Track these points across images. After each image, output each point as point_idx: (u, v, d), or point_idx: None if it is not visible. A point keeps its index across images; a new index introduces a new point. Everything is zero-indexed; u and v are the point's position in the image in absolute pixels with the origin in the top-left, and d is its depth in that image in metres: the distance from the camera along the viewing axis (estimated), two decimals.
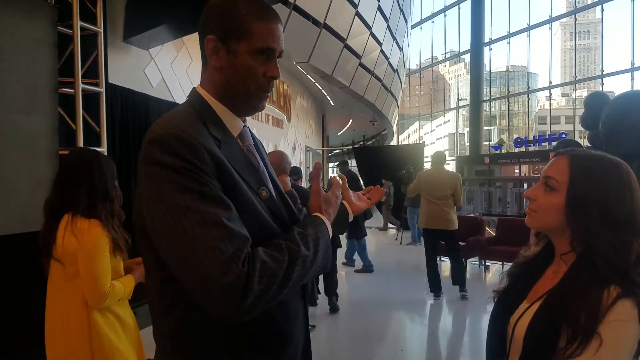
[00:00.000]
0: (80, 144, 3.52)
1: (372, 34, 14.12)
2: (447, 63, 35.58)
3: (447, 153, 41.02)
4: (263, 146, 1.36)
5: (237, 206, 1.01)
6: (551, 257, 1.28)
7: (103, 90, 3.82)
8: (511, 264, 1.42)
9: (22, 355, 3.76)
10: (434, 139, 40.06)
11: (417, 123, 36.72)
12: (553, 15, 20.89)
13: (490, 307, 1.35)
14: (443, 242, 6.39)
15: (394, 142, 28.34)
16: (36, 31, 3.32)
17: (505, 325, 1.25)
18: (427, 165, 12.71)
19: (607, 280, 1.09)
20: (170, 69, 6.70)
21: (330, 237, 1.16)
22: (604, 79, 18.81)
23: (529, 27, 21.13)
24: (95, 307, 1.96)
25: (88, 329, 1.95)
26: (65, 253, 1.94)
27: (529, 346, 1.14)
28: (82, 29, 3.65)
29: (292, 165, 4.18)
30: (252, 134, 1.26)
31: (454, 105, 31.41)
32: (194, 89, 1.18)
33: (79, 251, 1.91)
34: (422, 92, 32.85)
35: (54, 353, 2.01)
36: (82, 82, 3.54)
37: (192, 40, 7.02)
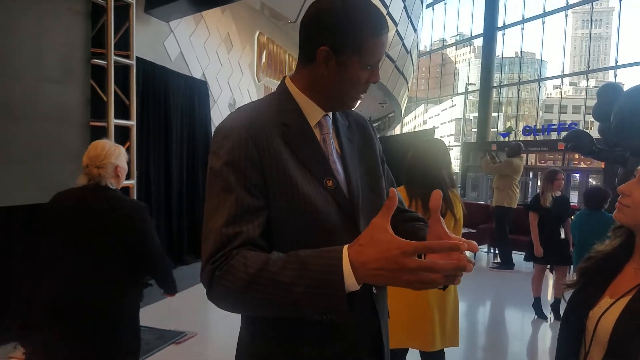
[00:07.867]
0: (112, 116, 3.49)
1: (389, 14, 13.91)
2: (455, 47, 35.12)
3: (452, 138, 40.92)
4: (366, 128, 1.34)
5: (284, 192, 1.06)
6: (629, 253, 1.26)
7: (134, 62, 3.78)
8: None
9: None
10: (439, 123, 39.85)
11: (422, 106, 36.39)
12: (569, 2, 20.55)
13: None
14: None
15: (399, 126, 28.12)
16: (71, 0, 3.27)
17: (583, 320, 1.23)
18: None
19: None
20: (188, 43, 6.63)
21: (344, 294, 0.88)
22: (617, 69, 18.54)
23: (544, 14, 20.78)
24: None
25: None
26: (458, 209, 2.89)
27: (617, 341, 1.12)
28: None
29: None
30: (344, 118, 1.29)
31: (461, 89, 31.13)
32: (283, 78, 1.21)
33: (458, 211, 2.82)
34: (429, 76, 32.54)
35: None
36: (114, 54, 3.50)
37: (211, 15, 6.95)
